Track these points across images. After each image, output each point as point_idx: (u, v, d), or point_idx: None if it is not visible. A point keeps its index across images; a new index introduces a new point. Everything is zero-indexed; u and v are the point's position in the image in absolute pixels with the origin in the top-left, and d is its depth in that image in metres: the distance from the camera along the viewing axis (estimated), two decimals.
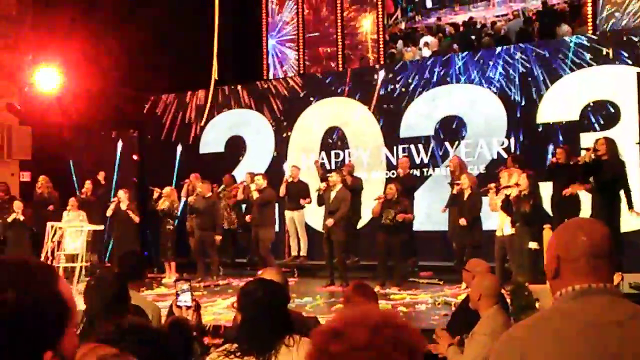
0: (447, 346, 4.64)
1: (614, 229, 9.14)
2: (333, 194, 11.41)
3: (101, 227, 13.20)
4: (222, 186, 13.94)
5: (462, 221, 10.53)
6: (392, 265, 11.10)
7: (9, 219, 12.34)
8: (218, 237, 12.48)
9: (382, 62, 15.29)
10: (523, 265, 9.25)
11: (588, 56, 12.28)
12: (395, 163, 13.56)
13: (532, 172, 10.08)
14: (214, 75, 11.81)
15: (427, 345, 4.93)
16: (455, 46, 14.81)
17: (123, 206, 13.10)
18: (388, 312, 1.71)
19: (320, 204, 11.93)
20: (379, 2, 15.55)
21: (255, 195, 12.32)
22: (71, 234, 12.59)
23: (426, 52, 15.04)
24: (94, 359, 1.64)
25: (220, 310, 9.38)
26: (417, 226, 12.33)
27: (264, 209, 12.30)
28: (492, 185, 10.35)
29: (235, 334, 3.62)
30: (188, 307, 4.26)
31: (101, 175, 14.49)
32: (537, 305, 6.68)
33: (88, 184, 14.09)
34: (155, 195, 13.31)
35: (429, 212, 12.68)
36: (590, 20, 13.22)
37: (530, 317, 2.22)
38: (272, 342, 3.30)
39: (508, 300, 6.48)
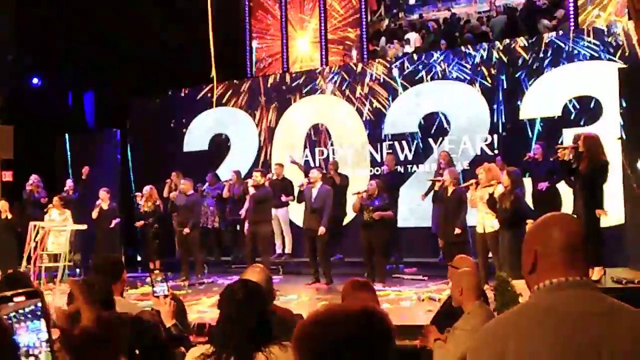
0: (434, 341, 4.66)
1: (594, 224, 9.20)
2: (315, 192, 11.39)
3: (84, 227, 13.14)
4: (206, 184, 13.93)
5: (457, 231, 10.45)
6: (375, 262, 11.11)
7: None
8: (186, 230, 12.40)
9: (365, 59, 15.30)
10: (506, 261, 9.27)
11: (569, 50, 12.38)
12: (379, 160, 13.60)
13: (515, 169, 10.10)
14: (213, 72, 11.88)
15: (416, 339, 4.98)
16: (442, 41, 14.84)
17: (105, 206, 13.09)
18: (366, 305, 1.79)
19: (299, 200, 11.89)
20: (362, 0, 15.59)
21: (252, 191, 12.23)
22: (54, 233, 12.54)
23: (409, 49, 15.07)
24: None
25: (205, 308, 9.35)
26: (401, 222, 12.38)
27: (262, 205, 12.22)
28: (473, 181, 10.35)
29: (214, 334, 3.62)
30: (165, 296, 4.27)
31: (85, 171, 14.40)
32: (520, 300, 6.72)
33: (69, 182, 14.07)
34: (139, 198, 13.29)
35: (413, 208, 12.72)
36: (572, 15, 13.29)
37: (507, 312, 2.23)
38: (250, 347, 3.25)
39: (492, 296, 6.53)
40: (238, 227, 13.40)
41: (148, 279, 12.08)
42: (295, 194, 12.32)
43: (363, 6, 15.57)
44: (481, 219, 10.02)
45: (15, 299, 1.66)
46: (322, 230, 11.14)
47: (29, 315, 1.70)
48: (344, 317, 1.72)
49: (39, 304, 1.71)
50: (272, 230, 12.61)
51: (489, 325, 2.13)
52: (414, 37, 15.22)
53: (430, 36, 15.22)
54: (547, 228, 2.09)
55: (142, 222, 13.00)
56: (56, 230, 12.58)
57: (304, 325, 1.76)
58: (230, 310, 3.36)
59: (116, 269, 4.74)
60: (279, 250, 13.57)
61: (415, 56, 14.12)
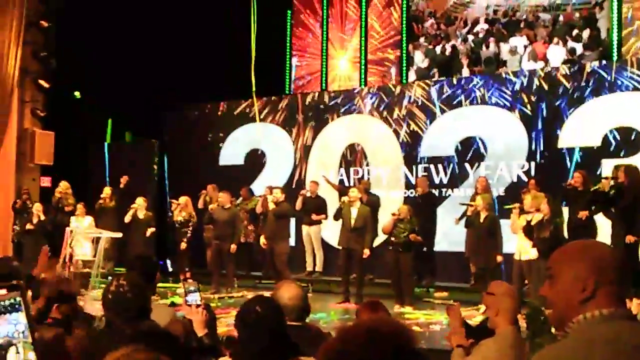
0: (456, 346, 4.61)
1: (633, 256, 9.10)
2: (354, 211, 11.33)
3: (119, 235, 13.25)
4: (240, 199, 13.99)
5: (499, 258, 10.39)
6: (403, 285, 11.06)
7: (30, 225, 12.47)
8: (234, 247, 12.47)
9: (405, 80, 15.30)
10: (537, 289, 9.18)
11: (611, 81, 12.28)
12: (414, 182, 13.56)
13: (554, 198, 10.04)
14: (253, 87, 12.01)
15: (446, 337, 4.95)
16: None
17: (140, 215, 13.19)
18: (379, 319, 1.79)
19: (337, 218, 11.88)
20: (402, 22, 15.60)
21: (272, 206, 12.33)
22: (79, 240, 12.63)
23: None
24: None
25: (232, 321, 9.35)
26: (434, 246, 12.30)
27: (280, 221, 12.29)
28: (517, 205, 10.28)
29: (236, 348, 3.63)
30: (197, 305, 4.28)
31: (123, 180, 14.54)
32: (552, 330, 6.63)
33: (107, 190, 14.18)
34: (174, 207, 13.36)
35: (447, 232, 12.63)
36: (615, 45, 13.21)
37: (561, 342, 2.15)
38: None
39: (524, 324, 6.44)
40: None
41: (180, 289, 12.25)
42: (333, 211, 12.34)
43: (405, 27, 15.59)
44: (520, 245, 9.95)
45: None
46: (366, 252, 11.14)
47: (9, 308, 1.78)
48: (372, 336, 1.67)
49: (18, 298, 1.78)
50: (288, 247, 12.60)
51: (556, 352, 2.02)
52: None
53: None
54: (603, 253, 2.03)
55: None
56: (80, 236, 12.66)
57: (331, 344, 1.74)
58: (245, 328, 3.39)
59: (151, 269, 4.78)
60: (309, 268, 13.55)
61: (454, 80, 14.10)
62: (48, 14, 13.96)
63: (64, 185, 13.57)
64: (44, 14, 13.78)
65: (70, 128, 14.45)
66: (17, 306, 1.77)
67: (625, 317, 1.95)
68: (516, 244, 10.09)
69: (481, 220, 10.68)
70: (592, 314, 1.93)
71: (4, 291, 1.76)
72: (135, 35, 14.69)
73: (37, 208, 12.69)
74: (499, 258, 10.36)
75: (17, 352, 1.72)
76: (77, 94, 15.64)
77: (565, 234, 10.04)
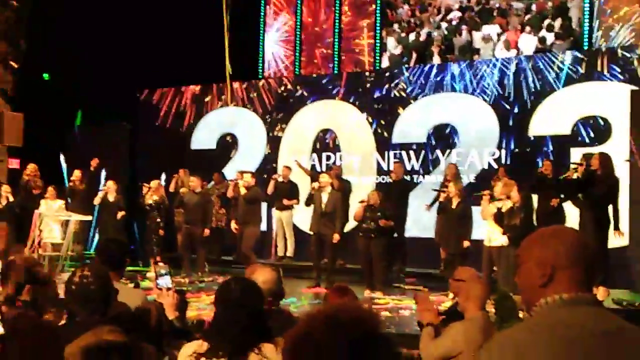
0: (426, 324, 4.67)
1: (602, 245, 9.21)
2: (325, 196, 11.39)
3: (89, 218, 13.16)
4: (211, 183, 13.96)
5: (466, 244, 10.48)
6: (374, 270, 11.12)
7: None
8: (207, 231, 12.48)
9: (378, 67, 15.33)
10: (509, 276, 9.27)
11: (582, 71, 12.39)
12: (386, 168, 13.61)
13: (524, 185, 10.12)
14: (228, 69, 11.91)
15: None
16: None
17: (111, 197, 13.14)
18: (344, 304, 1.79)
19: (308, 204, 11.93)
20: (376, 8, 15.61)
21: (243, 191, 12.33)
22: (48, 223, 12.54)
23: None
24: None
25: (204, 306, 9.35)
26: (405, 233, 12.36)
27: (251, 206, 12.31)
28: (487, 191, 10.36)
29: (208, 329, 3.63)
30: (168, 288, 4.26)
31: (94, 162, 14.43)
32: (520, 315, 6.72)
33: (77, 173, 14.07)
34: (145, 190, 13.30)
35: (417, 218, 12.70)
36: (586, 35, 13.32)
37: (525, 322, 2.18)
38: (243, 344, 3.26)
39: (492, 309, 6.52)
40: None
41: (150, 273, 12.20)
42: (304, 197, 12.38)
43: (379, 15, 15.60)
44: (490, 232, 10.04)
45: None
46: (336, 237, 11.21)
47: None
48: (332, 322, 1.66)
49: None
50: (259, 232, 12.67)
51: (510, 332, 2.07)
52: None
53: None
54: (564, 238, 2.04)
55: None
56: (50, 219, 12.57)
57: (295, 330, 1.72)
58: (226, 308, 3.37)
59: (121, 253, 4.74)
60: (280, 253, 13.58)
61: (427, 67, 14.15)
62: None
63: (32, 167, 13.42)
64: None
65: (40, 110, 14.27)
66: None
67: (587, 302, 1.97)
68: (486, 230, 10.17)
69: (453, 207, 10.75)
70: (552, 298, 1.96)
71: None
72: (108, 17, 14.57)
73: (5, 190, 12.54)
74: (466, 243, 10.44)
75: None
76: (46, 75, 15.48)
77: (535, 222, 10.16)
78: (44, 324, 3.31)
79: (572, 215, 10.31)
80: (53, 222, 12.56)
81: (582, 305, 1.96)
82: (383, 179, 13.45)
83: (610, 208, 9.53)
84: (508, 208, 9.71)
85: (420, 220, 12.60)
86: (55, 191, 12.98)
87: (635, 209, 10.09)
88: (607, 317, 1.99)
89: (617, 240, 9.89)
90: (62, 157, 15.34)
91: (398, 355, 1.59)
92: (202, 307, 9.25)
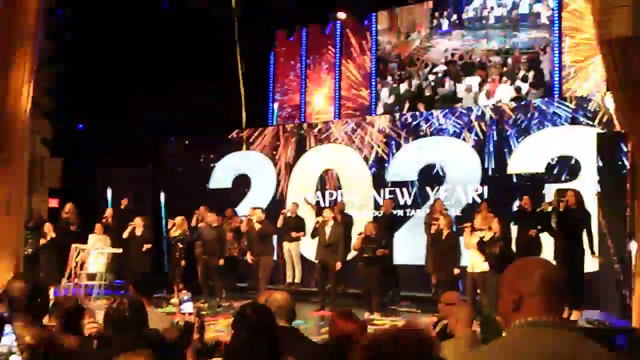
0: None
1: (577, 271, 9.24)
2: (328, 229, 11.51)
3: (120, 250, 13.21)
4: (225, 218, 13.97)
5: (456, 271, 10.51)
6: (373, 294, 11.11)
7: (44, 240, 12.43)
8: (221, 261, 12.51)
9: (374, 114, 15.42)
10: (494, 302, 9.26)
11: (553, 117, 12.48)
12: (381, 203, 13.65)
13: (503, 218, 10.17)
14: (244, 118, 12.05)
15: None
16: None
17: (138, 232, 13.17)
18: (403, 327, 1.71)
19: (313, 236, 12.01)
20: (372, 66, 15.76)
21: (257, 226, 12.41)
22: (94, 256, 12.64)
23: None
24: None
25: (222, 328, 9.34)
26: (400, 260, 12.36)
27: (264, 239, 12.39)
28: (468, 224, 10.42)
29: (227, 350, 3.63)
30: (190, 313, 4.31)
31: (124, 203, 14.54)
32: (503, 334, 6.74)
33: (109, 211, 14.14)
34: (170, 225, 13.35)
35: (411, 248, 12.69)
36: (556, 85, 13.42)
37: (491, 343, 2.23)
38: None
39: (478, 329, 6.52)
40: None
41: (174, 299, 12.20)
42: (310, 230, 12.45)
43: (374, 67, 15.75)
44: (472, 260, 10.07)
45: None
46: (338, 265, 11.28)
47: None
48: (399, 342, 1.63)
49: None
50: (272, 261, 12.69)
51: (476, 352, 2.13)
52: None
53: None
54: (532, 270, 2.07)
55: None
56: (95, 252, 12.68)
57: (364, 349, 1.68)
58: (243, 331, 3.39)
59: (150, 284, 4.85)
60: (289, 280, 13.55)
61: (417, 113, 14.25)
62: (56, 56, 13.96)
63: (69, 206, 13.53)
64: (52, 56, 13.79)
65: (77, 155, 14.40)
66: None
67: (551, 325, 1.98)
68: (469, 258, 10.20)
69: (443, 237, 10.80)
70: (520, 321, 1.99)
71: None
72: (137, 74, 14.74)
73: (47, 227, 12.64)
74: (456, 271, 10.48)
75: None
76: (81, 125, 15.61)
77: (515, 250, 10.17)
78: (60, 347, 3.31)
79: (547, 244, 10.33)
80: (99, 255, 12.69)
81: (549, 328, 1.97)
82: (379, 213, 13.47)
83: (585, 237, 9.59)
84: (489, 238, 9.76)
85: (414, 251, 12.58)
86: (102, 227, 13.11)
87: (603, 239, 10.10)
88: (571, 337, 1.99)
89: (589, 265, 9.93)
90: (109, 192, 15.41)
91: None
92: (219, 330, 9.23)
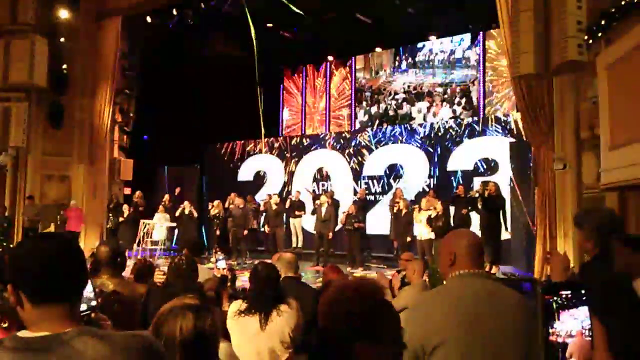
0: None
1: (497, 238, 9.27)
2: (324, 209, 11.55)
3: (174, 225, 13.19)
4: (246, 202, 13.96)
5: (409, 239, 10.52)
6: (354, 254, 11.15)
7: (122, 218, 12.47)
8: (245, 232, 12.51)
9: (353, 128, 15.45)
10: (436, 259, 9.30)
11: (479, 129, 12.51)
12: (358, 191, 13.68)
13: (445, 201, 10.20)
14: (263, 131, 12.09)
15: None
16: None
17: (186, 211, 13.17)
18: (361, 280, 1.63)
19: (313, 213, 12.05)
20: (351, 92, 15.76)
21: (274, 207, 12.49)
22: (156, 228, 12.62)
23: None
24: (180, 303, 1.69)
25: (246, 279, 9.33)
26: (371, 231, 12.37)
27: (279, 215, 12.46)
28: (416, 206, 10.52)
29: (246, 294, 3.64)
30: (224, 269, 4.31)
31: (177, 191, 14.52)
32: (444, 283, 6.79)
33: (167, 197, 14.13)
34: (210, 206, 13.35)
35: (379, 222, 12.72)
36: (482, 108, 13.45)
37: (434, 289, 2.25)
38: (267, 304, 3.26)
39: (427, 279, 6.56)
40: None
41: (212, 258, 12.21)
42: (309, 210, 12.49)
43: (353, 95, 15.74)
44: (421, 231, 10.10)
45: None
46: (331, 235, 11.32)
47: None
48: (358, 290, 1.50)
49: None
50: (284, 231, 12.68)
51: (423, 297, 2.16)
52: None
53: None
54: (462, 237, 2.09)
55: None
56: (157, 225, 12.67)
57: (328, 296, 1.55)
58: (256, 281, 3.40)
59: (199, 247, 4.85)
60: (293, 245, 13.56)
61: (384, 128, 14.26)
62: (128, 86, 13.90)
63: (138, 193, 13.52)
64: (126, 86, 13.74)
65: (143, 157, 14.33)
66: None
67: (476, 275, 2.00)
68: (418, 230, 10.24)
69: (402, 215, 10.83)
70: (454, 273, 2.02)
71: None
72: (186, 98, 14.70)
73: (125, 208, 12.66)
74: (409, 238, 10.51)
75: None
76: (145, 137, 15.53)
77: (452, 224, 10.23)
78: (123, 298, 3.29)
79: (475, 220, 10.38)
80: (161, 227, 12.72)
81: (474, 277, 2.00)
82: (357, 198, 13.49)
83: (501, 215, 9.65)
84: (435, 215, 9.79)
85: (381, 224, 12.61)
86: (164, 208, 13.13)
87: (513, 216, 10.17)
88: (489, 283, 2.02)
89: (505, 235, 9.98)
90: (166, 183, 15.37)
91: (397, 315, 1.52)
92: (244, 280, 9.22)
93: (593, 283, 2.37)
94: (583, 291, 2.29)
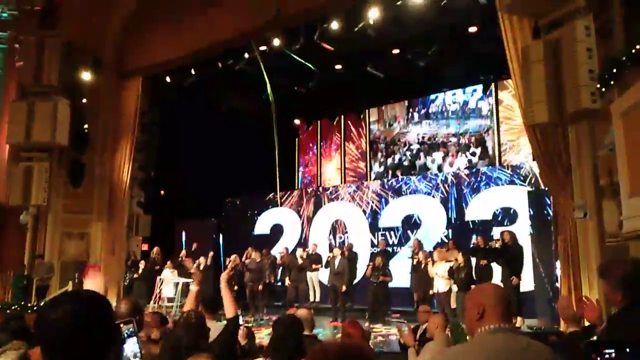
0: (408, 347, 4.59)
1: (516, 291, 9.03)
2: (337, 262, 11.42)
3: (190, 280, 13.06)
4: (262, 255, 13.88)
5: (430, 292, 10.29)
6: (376, 309, 10.90)
7: (137, 274, 12.42)
8: (261, 287, 12.37)
9: (369, 179, 15.49)
10: (461, 313, 9.07)
11: (496, 179, 12.45)
12: (376, 243, 13.55)
13: (464, 251, 10.04)
14: (278, 186, 12.19)
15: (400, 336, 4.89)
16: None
17: (201, 267, 13.09)
18: (349, 342, 1.53)
19: (327, 267, 11.91)
20: (367, 146, 15.91)
21: (300, 261, 12.48)
22: (167, 284, 12.52)
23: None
24: None
25: (263, 336, 9.15)
26: (390, 284, 12.15)
27: (302, 271, 12.43)
28: (429, 259, 10.38)
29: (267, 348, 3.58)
30: (240, 325, 4.23)
31: (194, 246, 14.50)
32: (467, 338, 6.59)
33: (183, 252, 14.11)
34: (227, 261, 13.28)
35: (398, 275, 12.49)
36: (497, 156, 13.45)
37: (462, 344, 2.19)
38: (290, 354, 3.20)
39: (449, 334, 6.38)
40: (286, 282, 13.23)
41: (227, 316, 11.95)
42: (324, 262, 12.34)
43: (367, 150, 15.88)
44: (437, 283, 9.92)
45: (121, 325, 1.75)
46: (344, 288, 11.11)
47: (130, 334, 1.78)
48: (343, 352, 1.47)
49: (132, 328, 1.78)
50: (307, 286, 12.50)
51: (450, 352, 2.10)
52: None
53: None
54: (489, 290, 2.07)
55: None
56: (168, 281, 12.57)
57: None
58: (277, 333, 3.34)
59: (215, 304, 4.77)
60: (311, 299, 13.36)
61: (399, 178, 14.28)
62: (148, 142, 14.21)
63: (156, 249, 13.55)
64: (145, 142, 14.04)
65: (161, 213, 14.44)
66: (132, 332, 1.78)
67: (507, 330, 1.97)
68: (435, 283, 10.04)
69: (422, 267, 10.66)
70: (483, 328, 1.98)
71: (124, 325, 1.77)
72: (203, 154, 14.92)
73: (142, 264, 12.64)
74: (431, 291, 10.27)
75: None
76: (162, 192, 15.71)
77: (474, 276, 10.03)
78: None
79: (496, 270, 10.17)
80: (170, 283, 12.56)
81: (502, 333, 1.96)
82: (375, 250, 13.34)
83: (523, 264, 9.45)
84: (456, 266, 9.62)
85: (400, 277, 12.38)
86: (172, 264, 13.04)
87: (535, 266, 9.94)
88: (519, 338, 1.98)
89: (528, 285, 9.73)
90: (183, 238, 15.42)
91: None
92: (262, 337, 9.04)
93: (628, 336, 2.27)
94: (628, 349, 2.17)
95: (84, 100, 11.96)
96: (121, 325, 1.74)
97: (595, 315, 3.73)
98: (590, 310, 3.84)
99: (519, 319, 8.84)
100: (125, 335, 1.73)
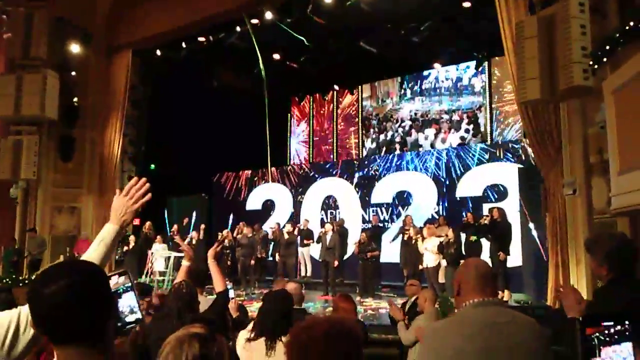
0: (399, 320, 4.65)
1: (503, 265, 9.12)
2: (329, 237, 11.48)
3: (182, 255, 13.09)
4: (254, 231, 13.93)
5: (420, 267, 10.33)
6: (366, 283, 11.01)
7: (127, 248, 12.39)
8: (252, 262, 12.44)
9: (360, 156, 15.49)
10: (449, 287, 9.19)
11: (487, 156, 12.48)
12: (368, 219, 13.60)
13: (455, 227, 10.12)
14: (269, 162, 12.17)
15: (390, 310, 4.95)
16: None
17: (193, 241, 13.13)
18: (336, 319, 1.52)
19: (318, 242, 11.98)
20: (359, 122, 15.86)
21: (286, 236, 12.48)
22: (157, 258, 12.54)
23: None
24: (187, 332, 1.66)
25: (255, 309, 9.22)
26: (381, 259, 12.25)
27: (291, 245, 12.42)
28: (419, 235, 10.45)
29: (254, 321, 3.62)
30: (232, 298, 4.26)
31: (185, 221, 14.51)
32: (455, 311, 6.67)
33: (175, 227, 14.11)
34: (219, 236, 13.32)
35: (387, 250, 12.61)
36: (489, 134, 13.46)
37: (447, 319, 2.22)
38: (275, 332, 3.23)
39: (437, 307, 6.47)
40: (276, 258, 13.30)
41: None
42: (315, 238, 12.41)
43: (360, 123, 15.83)
44: (426, 258, 10.02)
45: (116, 279, 1.65)
46: (336, 263, 11.15)
47: (127, 289, 1.66)
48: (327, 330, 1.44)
49: (128, 282, 1.67)
50: (295, 261, 12.56)
51: (436, 325, 2.13)
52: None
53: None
54: (468, 266, 2.10)
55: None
56: (159, 255, 12.58)
57: (297, 333, 1.50)
58: (265, 308, 3.38)
59: (202, 277, 4.78)
60: (303, 274, 13.46)
61: (391, 155, 14.27)
62: (139, 117, 14.08)
63: (148, 224, 13.53)
64: (136, 116, 13.92)
65: (152, 187, 14.35)
66: (128, 287, 1.68)
67: (489, 303, 1.99)
68: (424, 258, 10.14)
69: (412, 242, 10.74)
70: (467, 302, 2.01)
71: (119, 278, 1.69)
72: (194, 129, 14.82)
73: (131, 239, 12.62)
74: (420, 266, 10.38)
75: (136, 314, 1.67)
76: (152, 166, 15.64)
77: (464, 251, 10.12)
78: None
79: (485, 245, 10.27)
80: (160, 257, 12.56)
81: (486, 305, 1.99)
82: (366, 226, 13.42)
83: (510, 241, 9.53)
84: (446, 242, 9.70)
85: (391, 252, 12.50)
86: (162, 238, 13.02)
87: (524, 242, 10.04)
88: (503, 311, 2.01)
89: (516, 262, 9.84)
90: (166, 214, 15.38)
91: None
92: (253, 310, 9.12)
93: (617, 307, 2.30)
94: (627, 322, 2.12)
95: (73, 74, 11.78)
96: (116, 276, 1.68)
97: (571, 304, 3.54)
98: (567, 299, 3.75)
99: (506, 292, 8.96)
100: (121, 290, 1.68)
